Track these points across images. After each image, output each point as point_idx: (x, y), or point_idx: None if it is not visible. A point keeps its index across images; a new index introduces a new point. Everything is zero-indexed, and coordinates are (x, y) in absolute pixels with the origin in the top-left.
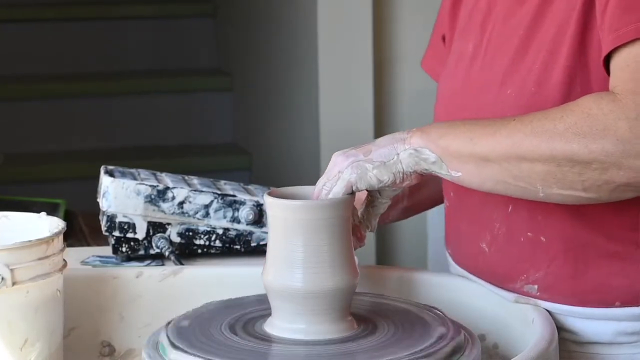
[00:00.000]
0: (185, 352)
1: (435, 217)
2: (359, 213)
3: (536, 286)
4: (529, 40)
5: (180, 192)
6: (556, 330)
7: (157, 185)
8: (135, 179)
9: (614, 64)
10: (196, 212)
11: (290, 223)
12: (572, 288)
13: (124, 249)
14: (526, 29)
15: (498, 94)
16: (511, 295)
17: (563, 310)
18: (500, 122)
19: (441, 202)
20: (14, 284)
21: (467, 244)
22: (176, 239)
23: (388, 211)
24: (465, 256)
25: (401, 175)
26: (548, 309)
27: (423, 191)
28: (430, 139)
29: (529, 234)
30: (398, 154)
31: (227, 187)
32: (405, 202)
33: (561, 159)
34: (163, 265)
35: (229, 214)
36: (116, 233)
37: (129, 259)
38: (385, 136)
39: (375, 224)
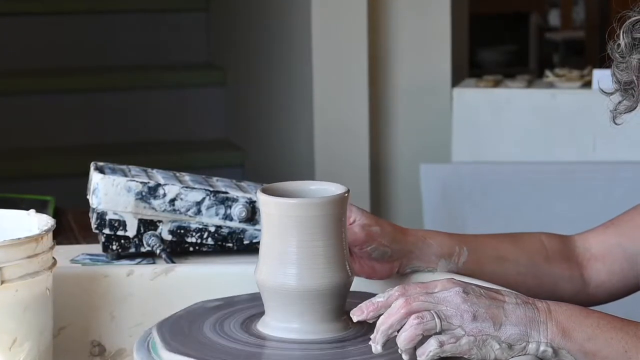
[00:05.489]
0: (177, 351)
1: (431, 222)
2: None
3: None
4: None
5: (171, 189)
6: None
7: (148, 182)
8: (125, 175)
9: None
10: (188, 210)
11: (284, 220)
12: None
13: (114, 247)
14: None
15: None
16: None
17: None
18: None
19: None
20: (2, 282)
21: None
22: (167, 237)
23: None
24: None
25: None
26: None
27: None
28: (573, 340)
29: None
30: (529, 342)
31: (220, 183)
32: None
33: None
34: (154, 263)
35: (222, 211)
36: (106, 231)
37: (119, 257)
38: (518, 303)
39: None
